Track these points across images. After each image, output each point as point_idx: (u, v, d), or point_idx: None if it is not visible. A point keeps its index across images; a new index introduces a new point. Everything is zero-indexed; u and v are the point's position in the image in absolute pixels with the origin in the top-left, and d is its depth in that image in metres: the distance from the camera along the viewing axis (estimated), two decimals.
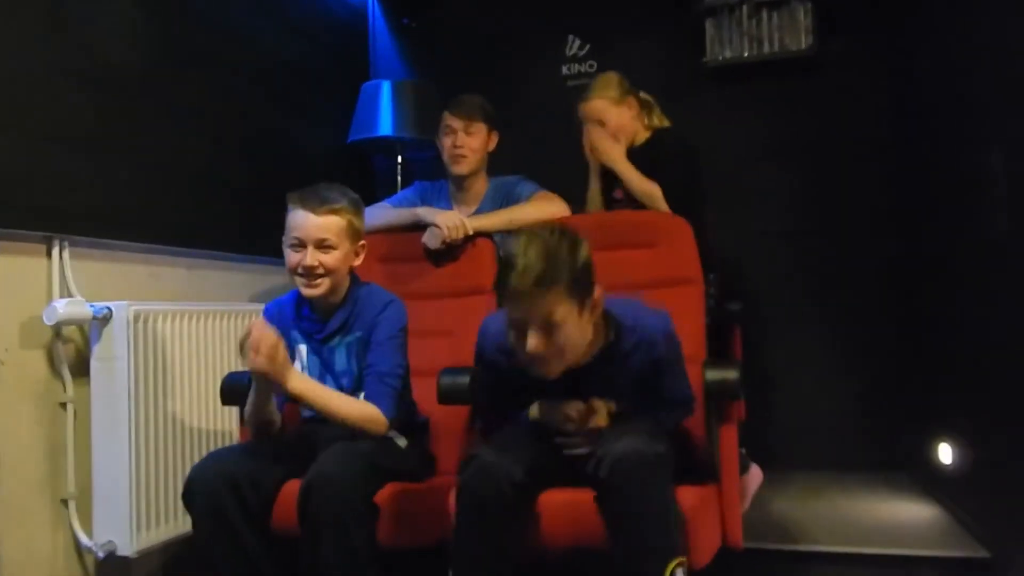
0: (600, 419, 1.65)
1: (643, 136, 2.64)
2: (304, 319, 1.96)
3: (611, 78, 2.63)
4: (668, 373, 1.70)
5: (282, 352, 1.71)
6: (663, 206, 2.43)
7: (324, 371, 1.95)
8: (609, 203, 2.65)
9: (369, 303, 1.94)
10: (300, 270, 1.87)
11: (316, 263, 1.86)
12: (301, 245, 1.87)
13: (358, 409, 1.83)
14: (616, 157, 2.54)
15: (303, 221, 1.86)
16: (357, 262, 1.97)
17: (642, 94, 2.67)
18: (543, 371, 1.54)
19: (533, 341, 1.47)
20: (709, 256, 2.48)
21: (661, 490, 1.50)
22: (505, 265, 1.49)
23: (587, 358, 1.63)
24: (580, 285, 1.49)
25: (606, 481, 1.48)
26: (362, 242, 1.97)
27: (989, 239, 2.12)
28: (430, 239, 2.40)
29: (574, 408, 1.66)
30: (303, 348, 1.96)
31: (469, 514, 1.55)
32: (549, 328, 1.47)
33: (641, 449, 1.48)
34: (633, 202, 2.53)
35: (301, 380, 1.79)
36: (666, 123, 2.67)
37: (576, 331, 1.50)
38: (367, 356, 1.91)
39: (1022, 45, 1.90)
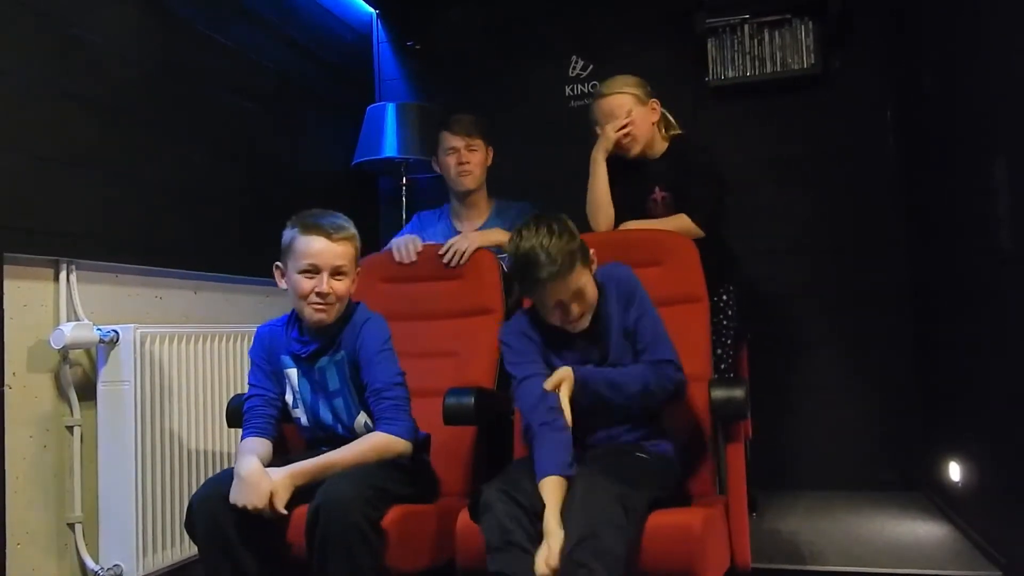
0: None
1: (661, 146, 2.49)
2: (293, 341, 1.94)
3: (633, 77, 2.48)
4: (642, 315, 1.83)
5: (266, 490, 1.68)
6: (696, 230, 2.32)
7: (317, 393, 1.93)
8: (638, 205, 2.47)
9: (353, 322, 1.93)
10: (314, 296, 1.85)
11: (330, 290, 1.85)
12: (316, 271, 1.85)
13: (369, 446, 1.81)
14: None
15: (321, 247, 1.85)
16: (353, 288, 1.96)
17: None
18: (580, 326, 1.84)
19: (575, 309, 1.80)
20: (731, 267, 2.46)
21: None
22: (526, 264, 1.74)
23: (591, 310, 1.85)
24: (584, 254, 1.81)
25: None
26: (359, 269, 1.97)
27: (997, 256, 2.11)
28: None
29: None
30: (293, 372, 1.93)
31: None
32: (580, 295, 1.80)
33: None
34: (673, 206, 2.42)
35: (298, 470, 1.73)
36: (678, 130, 2.53)
37: (591, 288, 1.85)
38: (361, 378, 1.89)
39: None
